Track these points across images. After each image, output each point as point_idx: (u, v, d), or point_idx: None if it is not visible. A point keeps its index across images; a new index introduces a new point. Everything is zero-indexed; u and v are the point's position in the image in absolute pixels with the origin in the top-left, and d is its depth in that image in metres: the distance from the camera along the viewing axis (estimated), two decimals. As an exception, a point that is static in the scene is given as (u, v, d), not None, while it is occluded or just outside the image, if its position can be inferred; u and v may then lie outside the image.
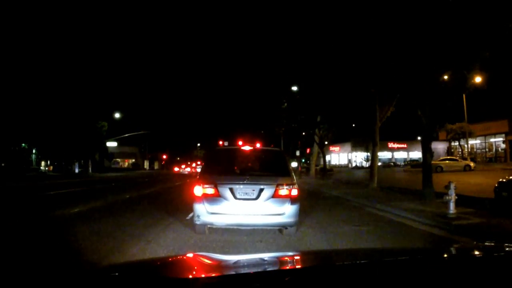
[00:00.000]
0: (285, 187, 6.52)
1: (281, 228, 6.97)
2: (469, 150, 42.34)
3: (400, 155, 65.62)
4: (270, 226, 6.80)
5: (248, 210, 6.45)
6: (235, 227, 6.85)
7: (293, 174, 7.07)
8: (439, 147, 50.65)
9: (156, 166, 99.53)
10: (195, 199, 6.62)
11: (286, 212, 6.44)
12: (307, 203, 12.24)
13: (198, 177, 7.20)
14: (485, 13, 9.97)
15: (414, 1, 11.35)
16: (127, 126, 54.90)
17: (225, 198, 6.48)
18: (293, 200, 6.51)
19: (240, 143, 8.29)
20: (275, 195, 6.47)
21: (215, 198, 6.49)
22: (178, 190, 19.85)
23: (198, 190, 6.58)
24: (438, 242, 6.88)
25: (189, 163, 74.13)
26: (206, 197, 6.51)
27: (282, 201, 6.47)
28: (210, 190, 6.53)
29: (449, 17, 10.46)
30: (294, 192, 6.56)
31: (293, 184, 6.60)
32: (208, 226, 6.83)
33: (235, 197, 6.48)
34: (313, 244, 6.41)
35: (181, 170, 65.15)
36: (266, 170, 7.29)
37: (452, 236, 7.18)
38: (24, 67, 35.32)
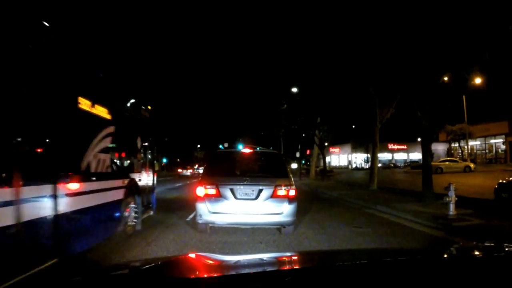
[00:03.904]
0: (283, 187, 6.80)
1: (280, 227, 7.18)
2: (469, 151, 42.29)
3: (400, 156, 65.57)
4: (269, 225, 7.07)
5: (248, 210, 6.71)
6: (235, 226, 7.12)
7: (290, 175, 7.32)
8: (439, 148, 50.64)
9: (156, 168, 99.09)
10: (197, 199, 6.89)
11: (284, 212, 6.72)
12: (307, 204, 12.24)
13: (200, 178, 7.38)
14: (485, 15, 9.99)
15: (415, 3, 11.37)
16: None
17: (226, 198, 6.75)
18: (290, 200, 6.78)
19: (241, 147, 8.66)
20: (273, 195, 6.75)
21: (217, 198, 6.77)
22: (178, 191, 19.85)
23: (201, 191, 6.87)
24: (438, 243, 6.88)
25: (191, 165, 74.35)
26: (208, 197, 6.79)
27: (280, 201, 6.74)
28: (212, 191, 6.81)
29: (449, 18, 10.48)
30: (292, 192, 6.83)
31: (290, 185, 6.89)
32: (210, 225, 7.07)
33: (235, 197, 6.75)
34: (313, 245, 6.43)
35: (183, 172, 65.71)
36: (265, 171, 7.53)
37: (452, 237, 7.19)
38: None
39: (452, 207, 8.60)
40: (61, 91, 4.34)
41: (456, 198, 8.69)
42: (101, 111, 5.56)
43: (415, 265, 1.62)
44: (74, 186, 4.52)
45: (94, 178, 5.21)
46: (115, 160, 6.29)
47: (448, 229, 7.74)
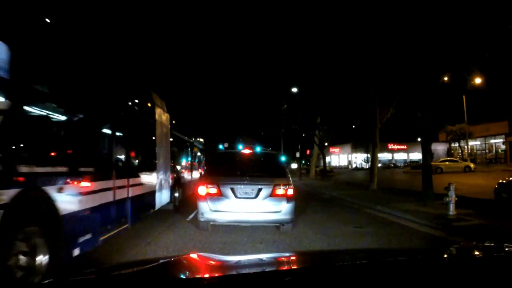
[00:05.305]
0: (281, 187, 6.99)
1: (278, 225, 7.34)
2: (469, 151, 42.26)
3: (400, 156, 65.57)
4: (268, 222, 7.25)
5: (248, 208, 6.91)
6: (235, 224, 7.28)
7: (289, 175, 7.53)
8: (439, 148, 50.62)
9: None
10: (199, 198, 7.09)
11: (282, 210, 6.92)
12: (307, 204, 12.26)
13: (201, 178, 7.54)
14: (485, 15, 9.99)
15: (415, 3, 11.37)
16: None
17: (227, 197, 6.95)
18: (289, 199, 6.98)
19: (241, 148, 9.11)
20: (272, 194, 6.95)
21: (218, 197, 6.96)
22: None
23: (202, 190, 7.06)
24: (438, 243, 6.88)
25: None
26: (210, 196, 6.98)
27: (279, 200, 6.94)
28: (213, 190, 7.00)
29: (449, 18, 10.48)
30: (290, 191, 7.03)
31: (289, 184, 7.10)
32: (211, 223, 7.25)
33: (236, 196, 6.95)
34: (313, 245, 6.44)
35: None
36: (264, 171, 7.76)
37: (452, 237, 7.19)
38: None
39: (452, 207, 8.59)
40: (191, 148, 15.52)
41: (456, 198, 8.68)
42: (196, 149, 16.72)
43: (415, 265, 1.62)
44: (195, 173, 15.39)
45: (193, 170, 15.08)
46: (197, 164, 16.56)
47: (448, 229, 7.75)
